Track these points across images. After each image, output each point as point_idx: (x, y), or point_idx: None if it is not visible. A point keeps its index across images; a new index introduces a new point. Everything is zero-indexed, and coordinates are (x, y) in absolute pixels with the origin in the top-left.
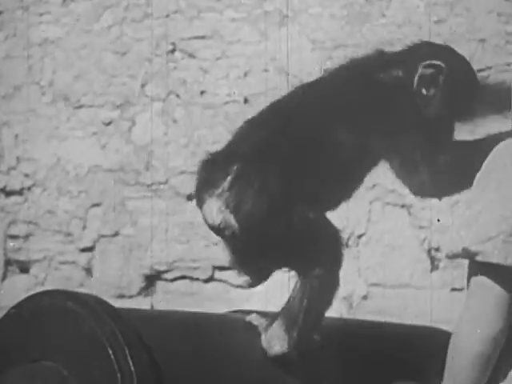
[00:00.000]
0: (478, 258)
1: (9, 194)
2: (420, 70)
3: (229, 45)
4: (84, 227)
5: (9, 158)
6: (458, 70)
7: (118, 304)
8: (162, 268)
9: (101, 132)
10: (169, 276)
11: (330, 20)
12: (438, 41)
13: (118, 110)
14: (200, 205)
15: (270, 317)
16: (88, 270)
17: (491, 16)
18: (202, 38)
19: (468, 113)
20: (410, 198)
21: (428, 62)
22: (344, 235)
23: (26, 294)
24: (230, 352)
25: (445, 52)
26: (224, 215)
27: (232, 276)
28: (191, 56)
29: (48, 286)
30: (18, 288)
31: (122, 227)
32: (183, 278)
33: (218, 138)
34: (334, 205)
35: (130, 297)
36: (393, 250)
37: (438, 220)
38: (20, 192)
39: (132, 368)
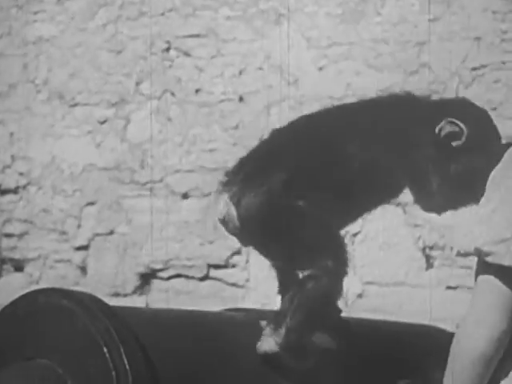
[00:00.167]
0: (489, 259)
1: (4, 192)
2: (444, 125)
3: (224, 43)
4: (79, 226)
5: (4, 157)
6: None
7: (113, 302)
8: (158, 266)
9: (96, 130)
10: (164, 274)
11: (325, 18)
12: (433, 39)
13: (113, 109)
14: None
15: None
16: (83, 269)
17: (486, 14)
18: (197, 36)
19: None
20: (405, 196)
21: (451, 120)
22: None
23: (20, 293)
24: (226, 350)
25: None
26: (228, 208)
27: (227, 274)
28: (186, 54)
29: (43, 285)
30: (13, 286)
31: (117, 226)
32: (178, 276)
33: (213, 136)
34: (343, 219)
35: (125, 295)
36: (388, 248)
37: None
38: (15, 190)
39: (127, 366)
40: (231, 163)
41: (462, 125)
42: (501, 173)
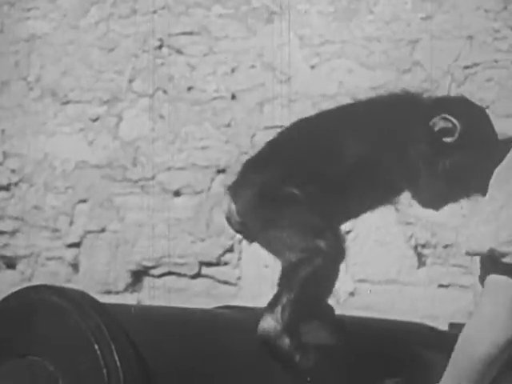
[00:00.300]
0: (507, 260)
1: None
2: (437, 121)
3: (216, 41)
4: (71, 223)
5: None
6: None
7: (104, 300)
8: (149, 264)
9: (88, 128)
10: (156, 272)
11: (317, 16)
12: (426, 37)
13: (105, 106)
14: None
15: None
16: (75, 266)
17: (479, 13)
18: (190, 33)
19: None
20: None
21: (445, 116)
22: None
23: (12, 290)
24: (216, 347)
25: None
26: (229, 204)
27: (219, 272)
28: (178, 52)
29: (35, 282)
30: (5, 284)
31: (108, 223)
32: (170, 273)
33: (205, 134)
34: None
35: (117, 293)
36: (380, 246)
37: None
38: (7, 188)
39: (118, 363)
40: (223, 161)
41: (455, 121)
42: (505, 171)
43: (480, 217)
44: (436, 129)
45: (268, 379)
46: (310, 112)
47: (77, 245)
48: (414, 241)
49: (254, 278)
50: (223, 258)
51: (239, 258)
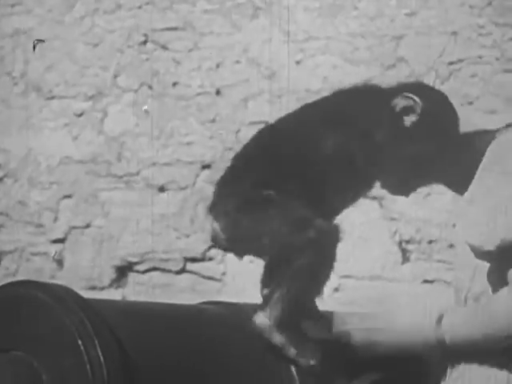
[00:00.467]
0: None
1: None
2: (398, 100)
3: (201, 36)
4: (55, 219)
5: None
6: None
7: (89, 295)
8: (134, 259)
9: (73, 123)
10: (140, 268)
11: (302, 12)
12: (410, 33)
13: (89, 101)
14: None
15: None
16: (59, 262)
17: (463, 9)
18: (175, 29)
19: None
20: (381, 190)
21: (405, 94)
22: None
23: None
24: (201, 342)
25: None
26: (212, 224)
27: (203, 268)
28: (163, 47)
29: (19, 278)
30: None
31: (93, 219)
32: (155, 269)
33: (190, 129)
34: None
35: (102, 288)
36: (364, 242)
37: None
38: None
39: (101, 358)
40: (208, 156)
41: (416, 98)
42: (494, 165)
43: (482, 212)
44: (398, 109)
45: (252, 374)
46: (295, 108)
47: (61, 240)
48: (399, 236)
49: (239, 273)
50: (208, 254)
51: (224, 254)
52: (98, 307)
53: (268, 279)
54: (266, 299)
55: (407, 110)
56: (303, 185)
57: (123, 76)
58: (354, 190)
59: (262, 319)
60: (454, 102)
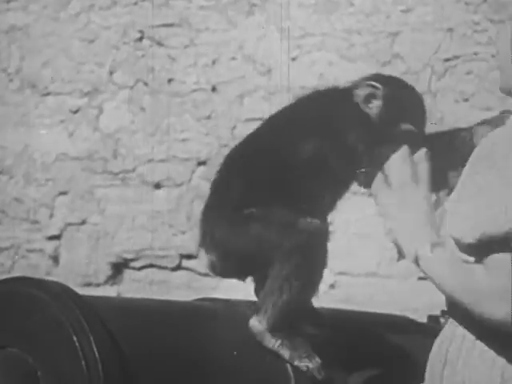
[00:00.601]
0: None
1: None
2: (360, 90)
3: (197, 33)
4: (51, 215)
5: None
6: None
7: (85, 292)
8: (130, 256)
9: (68, 120)
10: (136, 264)
11: (297, 9)
12: (406, 29)
13: (85, 98)
14: None
15: None
16: (55, 258)
17: (459, 5)
18: (170, 25)
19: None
20: None
21: (368, 82)
22: None
23: None
24: (196, 339)
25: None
26: (207, 258)
27: (199, 264)
28: (159, 44)
29: (15, 274)
30: None
31: (89, 215)
32: (151, 266)
33: (185, 126)
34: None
35: (98, 285)
36: (360, 238)
37: None
38: None
39: (97, 355)
40: (204, 153)
41: (376, 84)
42: (483, 160)
43: (471, 206)
44: (360, 99)
45: (247, 371)
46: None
47: (57, 237)
48: None
49: None
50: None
51: None
52: (93, 304)
53: (260, 287)
54: (260, 305)
55: (369, 97)
56: (282, 194)
57: (119, 72)
58: (332, 192)
59: (256, 324)
60: (450, 98)
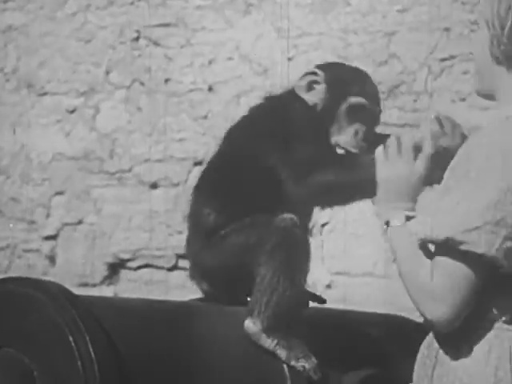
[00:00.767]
0: (463, 247)
1: None
2: (300, 81)
3: (194, 32)
4: (48, 215)
5: None
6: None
7: (81, 292)
8: (126, 256)
9: (65, 119)
10: (133, 264)
11: (294, 8)
12: (402, 29)
13: (81, 98)
14: None
15: None
16: (51, 258)
17: (456, 5)
18: (167, 25)
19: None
20: None
21: (308, 72)
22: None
23: None
24: (192, 339)
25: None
26: (198, 286)
27: None
28: (156, 44)
29: (11, 274)
30: None
31: (85, 215)
32: (147, 266)
33: (182, 125)
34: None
35: (94, 285)
36: (356, 238)
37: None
38: None
39: (93, 355)
40: (200, 153)
41: (317, 70)
42: (463, 163)
43: (437, 206)
44: (302, 89)
45: (243, 371)
46: None
47: (54, 237)
48: None
49: None
50: None
51: None
52: (89, 304)
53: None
54: (252, 306)
55: (311, 84)
56: (253, 203)
57: (115, 72)
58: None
59: (250, 325)
60: (447, 98)
